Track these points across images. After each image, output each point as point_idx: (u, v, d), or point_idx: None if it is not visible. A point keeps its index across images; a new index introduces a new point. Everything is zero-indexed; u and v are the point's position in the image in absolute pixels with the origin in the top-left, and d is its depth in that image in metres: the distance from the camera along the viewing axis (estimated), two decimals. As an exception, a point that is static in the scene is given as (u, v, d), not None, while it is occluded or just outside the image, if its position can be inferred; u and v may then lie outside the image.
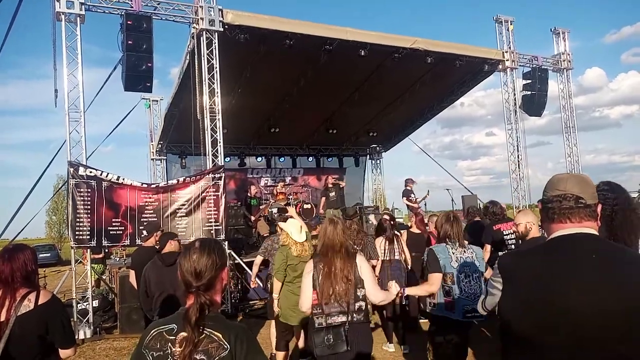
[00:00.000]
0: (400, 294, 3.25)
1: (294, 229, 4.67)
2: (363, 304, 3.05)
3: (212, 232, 8.20)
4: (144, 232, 6.14)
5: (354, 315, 3.02)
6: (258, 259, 5.88)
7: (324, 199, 11.78)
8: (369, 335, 3.15)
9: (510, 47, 12.19)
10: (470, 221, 7.33)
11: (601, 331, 1.31)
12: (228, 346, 1.54)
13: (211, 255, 1.66)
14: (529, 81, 12.59)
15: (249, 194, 12.62)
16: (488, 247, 5.64)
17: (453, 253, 3.53)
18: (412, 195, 12.11)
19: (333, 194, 11.51)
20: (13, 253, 2.47)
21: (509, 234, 5.59)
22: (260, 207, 12.58)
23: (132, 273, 5.68)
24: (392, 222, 6.40)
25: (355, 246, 5.68)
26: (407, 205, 12.08)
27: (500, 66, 12.31)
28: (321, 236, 3.24)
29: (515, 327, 1.47)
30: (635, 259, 1.44)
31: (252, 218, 11.60)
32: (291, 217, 5.09)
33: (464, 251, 3.56)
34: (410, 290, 3.65)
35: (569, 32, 13.30)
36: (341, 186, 11.85)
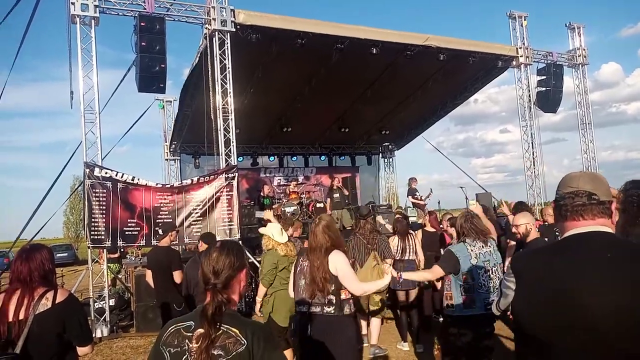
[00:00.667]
0: (398, 278, 3.36)
1: (275, 231, 4.80)
2: (333, 297, 3.22)
3: (226, 231, 8.25)
4: (160, 232, 6.21)
5: (324, 307, 3.23)
6: None
7: (329, 200, 11.93)
8: (340, 327, 3.25)
9: (524, 43, 12.03)
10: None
11: (616, 330, 1.29)
12: (245, 342, 1.55)
13: (230, 256, 1.71)
14: (543, 77, 12.43)
15: (261, 194, 12.67)
16: (513, 243, 5.68)
17: (472, 250, 3.60)
18: (417, 194, 12.25)
19: (337, 195, 11.78)
20: (30, 253, 2.50)
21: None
22: (273, 206, 12.61)
23: (148, 272, 5.71)
24: (405, 221, 6.40)
25: (369, 245, 5.66)
26: (413, 203, 12.16)
27: (514, 62, 12.17)
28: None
29: (529, 327, 1.46)
30: None
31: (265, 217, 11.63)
32: (269, 221, 5.16)
33: (483, 246, 3.64)
34: (407, 275, 3.69)
35: (584, 26, 13.10)
36: (344, 192, 12.08)
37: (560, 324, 1.36)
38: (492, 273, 3.55)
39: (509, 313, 1.66)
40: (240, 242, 8.40)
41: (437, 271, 3.68)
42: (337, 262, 3.26)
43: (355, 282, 3.28)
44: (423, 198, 12.27)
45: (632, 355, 1.29)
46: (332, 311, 3.23)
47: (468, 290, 3.54)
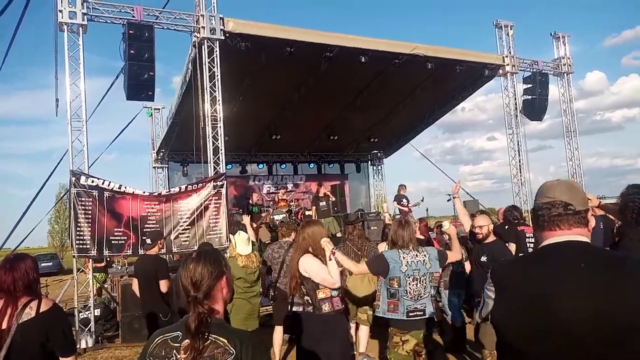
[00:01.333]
0: (331, 254, 3.48)
1: (239, 242, 5.08)
2: (308, 298, 3.49)
3: (215, 239, 8.17)
4: (147, 241, 6.14)
5: (305, 307, 3.53)
6: (262, 269, 5.84)
7: (314, 207, 11.85)
8: (316, 324, 3.47)
9: (510, 52, 12.21)
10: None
11: (591, 335, 1.31)
12: (234, 351, 1.54)
13: (207, 265, 1.67)
14: (529, 85, 12.60)
15: (250, 201, 12.61)
16: (513, 245, 5.78)
17: (404, 258, 3.71)
18: (404, 200, 12.24)
19: (323, 203, 11.70)
20: (14, 263, 2.47)
21: (530, 237, 5.77)
22: (262, 214, 12.58)
23: (134, 281, 5.61)
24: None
25: (359, 252, 5.66)
26: (399, 209, 12.17)
27: (500, 71, 12.33)
28: None
29: (506, 335, 1.48)
30: (623, 265, 1.43)
31: (254, 225, 11.58)
32: (244, 225, 5.37)
33: (417, 255, 3.74)
34: (339, 255, 3.74)
35: (569, 36, 13.34)
36: (331, 199, 11.99)
37: (537, 330, 1.38)
38: (419, 282, 3.67)
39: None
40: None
41: (362, 268, 3.92)
42: (305, 264, 3.48)
43: (327, 274, 3.44)
44: (410, 205, 12.28)
45: None
46: (311, 310, 3.47)
47: (393, 295, 3.70)
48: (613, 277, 1.37)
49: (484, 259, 4.25)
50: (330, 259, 3.47)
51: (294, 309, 3.63)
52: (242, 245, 5.09)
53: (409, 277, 3.66)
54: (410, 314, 3.65)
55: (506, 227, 6.78)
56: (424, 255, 3.75)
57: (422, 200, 12.71)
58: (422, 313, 3.65)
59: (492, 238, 4.33)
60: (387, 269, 3.70)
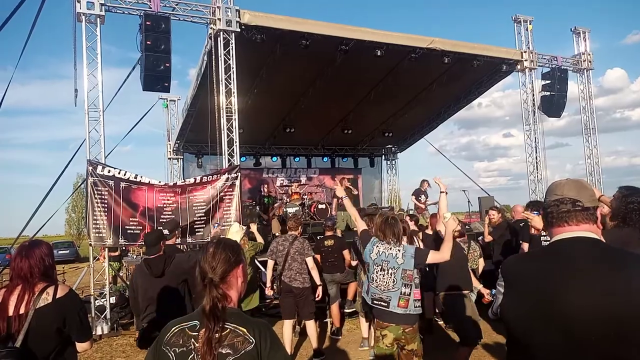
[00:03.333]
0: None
1: (231, 231, 5.78)
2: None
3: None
4: (165, 231, 6.24)
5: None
6: (270, 263, 5.90)
7: (335, 200, 11.79)
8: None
9: (529, 47, 12.01)
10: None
11: (596, 334, 1.32)
12: (253, 340, 1.56)
13: (226, 251, 1.71)
14: (548, 82, 12.39)
15: (263, 193, 12.64)
16: (526, 245, 5.76)
17: (377, 247, 3.90)
18: (422, 197, 11.98)
19: None
20: (30, 249, 2.50)
21: (544, 234, 5.68)
22: (275, 205, 12.62)
23: None
24: (414, 223, 6.43)
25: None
26: (415, 204, 12.03)
27: (518, 66, 12.14)
28: None
29: (515, 330, 1.51)
30: (632, 262, 1.43)
31: (266, 217, 11.64)
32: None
33: (390, 248, 3.85)
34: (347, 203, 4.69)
35: (590, 31, 13.07)
36: (354, 192, 11.88)
37: (544, 324, 1.40)
38: (387, 273, 3.79)
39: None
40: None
41: (360, 224, 4.31)
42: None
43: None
44: (427, 203, 12.10)
45: (613, 357, 1.31)
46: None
47: (368, 278, 3.99)
48: (621, 273, 1.37)
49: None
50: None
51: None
52: (231, 234, 5.56)
53: (376, 266, 3.84)
54: (375, 302, 3.80)
55: (521, 224, 6.73)
56: (399, 250, 3.80)
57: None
58: (385, 305, 3.71)
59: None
60: (366, 244, 4.01)
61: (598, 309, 1.32)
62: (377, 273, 3.82)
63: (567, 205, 1.55)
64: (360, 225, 4.29)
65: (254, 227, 6.94)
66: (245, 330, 1.58)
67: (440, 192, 4.50)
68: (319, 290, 5.90)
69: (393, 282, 3.73)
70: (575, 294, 1.37)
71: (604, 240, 1.57)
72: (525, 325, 1.46)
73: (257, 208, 12.61)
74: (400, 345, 3.73)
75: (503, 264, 1.67)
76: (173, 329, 1.64)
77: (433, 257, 3.88)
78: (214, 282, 1.64)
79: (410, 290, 3.72)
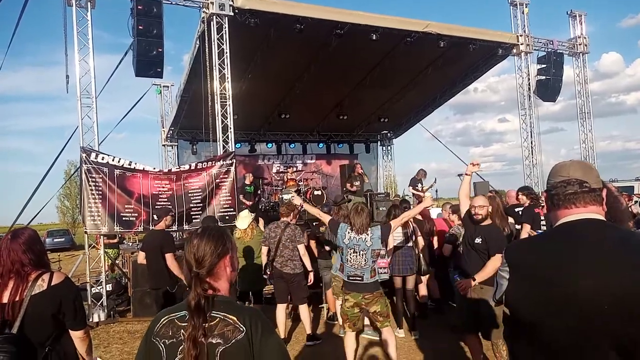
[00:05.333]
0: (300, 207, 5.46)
1: (239, 218, 6.29)
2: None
3: (226, 218, 8.22)
4: (154, 217, 6.38)
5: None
6: (264, 249, 5.93)
7: (348, 184, 11.70)
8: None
9: (525, 31, 11.95)
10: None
11: (606, 316, 1.30)
12: (244, 328, 1.53)
13: (211, 242, 1.64)
14: (543, 66, 12.36)
15: (246, 182, 12.48)
16: (527, 226, 5.85)
17: (348, 233, 4.55)
18: (419, 185, 12.07)
19: (357, 182, 11.48)
20: (14, 241, 2.43)
21: (544, 219, 5.78)
22: (258, 192, 12.50)
23: (141, 254, 5.88)
24: (404, 209, 6.40)
25: None
26: (413, 193, 12.11)
27: (514, 50, 12.09)
28: None
29: (522, 314, 1.48)
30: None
31: (248, 203, 11.50)
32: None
33: (359, 233, 4.52)
34: (307, 206, 5.54)
35: (586, 15, 12.99)
36: (366, 181, 12.00)
37: (554, 309, 1.38)
38: (359, 255, 4.50)
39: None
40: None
41: (325, 217, 5.02)
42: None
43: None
44: (425, 190, 12.15)
45: (621, 341, 1.30)
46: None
47: (341, 259, 4.68)
48: (630, 256, 1.35)
49: (478, 240, 4.20)
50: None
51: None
52: (240, 220, 5.98)
53: (349, 249, 4.52)
54: (351, 278, 4.54)
55: (516, 209, 6.75)
56: (367, 234, 4.50)
57: (435, 182, 12.59)
58: (360, 279, 4.48)
59: (488, 221, 4.29)
60: (336, 232, 4.64)
61: (611, 290, 1.31)
62: (350, 255, 4.52)
63: (574, 186, 1.51)
64: (325, 218, 5.00)
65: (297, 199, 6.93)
66: (235, 318, 1.54)
67: (465, 174, 4.54)
68: (311, 276, 5.98)
69: (365, 260, 4.48)
70: (586, 276, 1.35)
71: (609, 222, 1.53)
72: (533, 311, 1.43)
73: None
74: (363, 309, 4.55)
75: (506, 250, 1.64)
76: (162, 319, 1.60)
77: (394, 225, 4.73)
78: (200, 276, 1.59)
79: (375, 263, 4.57)
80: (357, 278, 4.49)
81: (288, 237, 5.77)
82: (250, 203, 11.34)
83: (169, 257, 5.41)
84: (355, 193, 11.32)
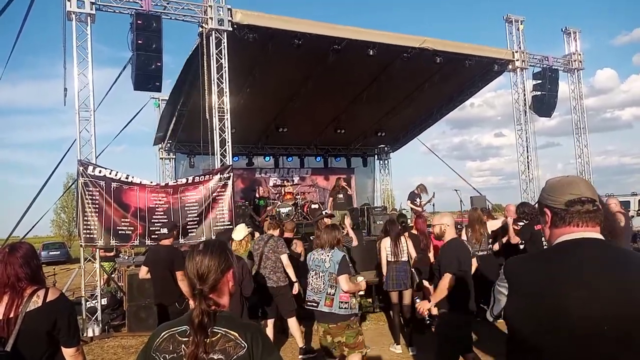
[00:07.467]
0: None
1: (235, 230, 5.94)
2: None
3: (222, 231, 8.20)
4: (164, 230, 6.12)
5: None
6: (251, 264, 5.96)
7: (331, 199, 11.86)
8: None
9: (520, 47, 12.08)
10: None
11: (604, 336, 1.30)
12: (245, 344, 1.52)
13: (214, 257, 1.62)
14: (539, 81, 12.48)
15: (257, 195, 12.59)
16: (517, 240, 5.82)
17: (314, 254, 4.39)
18: (417, 200, 12.09)
19: (341, 195, 11.69)
20: (11, 255, 2.40)
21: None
22: (268, 207, 12.58)
23: (143, 269, 5.65)
24: (402, 224, 6.43)
25: None
26: (411, 207, 12.13)
27: (510, 66, 12.21)
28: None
29: (520, 331, 1.47)
30: None
31: (259, 218, 11.59)
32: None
33: (323, 253, 4.28)
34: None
35: (580, 32, 13.18)
36: (348, 193, 12.21)
37: (550, 327, 1.37)
38: (318, 277, 4.21)
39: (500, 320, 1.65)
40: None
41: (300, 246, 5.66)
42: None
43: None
44: (423, 204, 12.17)
45: (624, 358, 1.30)
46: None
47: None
48: (630, 276, 1.36)
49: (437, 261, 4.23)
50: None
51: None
52: (236, 233, 5.80)
53: (312, 271, 4.29)
54: (308, 303, 4.27)
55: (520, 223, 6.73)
56: (327, 256, 4.21)
57: (434, 196, 12.61)
58: (316, 305, 4.17)
59: (448, 237, 4.15)
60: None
61: (608, 311, 1.30)
62: (311, 277, 4.29)
63: (588, 205, 1.49)
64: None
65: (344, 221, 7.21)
66: (236, 334, 1.53)
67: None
68: (296, 286, 5.98)
69: (322, 284, 4.16)
70: (586, 295, 1.34)
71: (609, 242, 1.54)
72: (531, 327, 1.42)
73: (251, 209, 12.55)
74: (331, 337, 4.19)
75: (506, 265, 1.60)
76: (163, 334, 1.59)
77: (343, 280, 4.10)
78: (203, 294, 1.56)
79: (336, 291, 4.09)
80: (313, 304, 4.20)
81: (270, 249, 5.83)
82: (260, 219, 11.34)
83: (179, 274, 5.16)
84: (339, 207, 11.44)
